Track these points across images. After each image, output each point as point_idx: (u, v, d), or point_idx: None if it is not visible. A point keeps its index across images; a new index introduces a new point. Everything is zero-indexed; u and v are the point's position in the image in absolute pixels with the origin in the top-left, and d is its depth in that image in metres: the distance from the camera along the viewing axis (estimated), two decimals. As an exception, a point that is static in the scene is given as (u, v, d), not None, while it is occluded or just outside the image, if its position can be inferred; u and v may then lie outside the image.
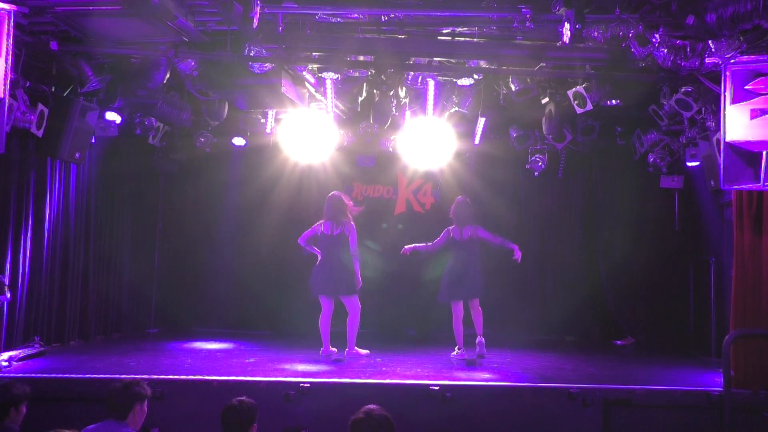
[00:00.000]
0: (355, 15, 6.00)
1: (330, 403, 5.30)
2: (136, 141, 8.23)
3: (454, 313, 7.01)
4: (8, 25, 4.79)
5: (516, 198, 9.46)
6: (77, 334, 7.66)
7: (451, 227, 7.15)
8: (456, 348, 7.02)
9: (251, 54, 6.23)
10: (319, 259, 6.96)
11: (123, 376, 5.48)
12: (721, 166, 5.16)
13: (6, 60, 4.81)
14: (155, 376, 5.52)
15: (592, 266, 9.16)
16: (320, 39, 6.17)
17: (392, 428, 3.10)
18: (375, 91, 7.26)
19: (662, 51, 5.62)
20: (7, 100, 4.89)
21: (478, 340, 6.95)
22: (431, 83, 7.21)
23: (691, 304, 8.33)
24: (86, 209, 7.82)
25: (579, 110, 6.89)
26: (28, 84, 6.15)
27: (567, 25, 5.30)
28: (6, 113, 4.85)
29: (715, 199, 7.67)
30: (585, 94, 6.75)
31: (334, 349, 6.93)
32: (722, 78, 5.10)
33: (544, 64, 6.58)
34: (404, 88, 7.39)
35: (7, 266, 6.44)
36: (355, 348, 7.06)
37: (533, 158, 8.79)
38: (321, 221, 7.00)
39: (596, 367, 6.98)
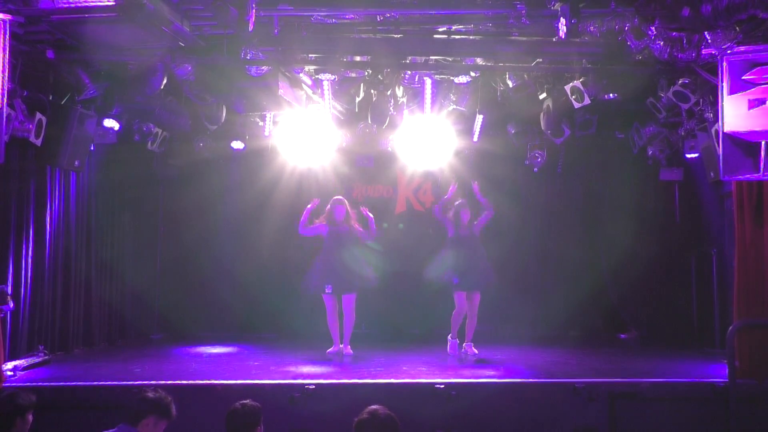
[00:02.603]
0: (351, 15, 6.00)
1: (335, 404, 5.30)
2: (135, 147, 8.22)
3: (457, 304, 7.15)
4: (4, 34, 4.79)
5: (516, 194, 9.45)
6: (81, 342, 7.66)
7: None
8: (449, 336, 7.23)
9: (247, 57, 6.23)
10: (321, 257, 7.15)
11: (127, 382, 5.50)
12: (721, 157, 5.15)
13: (3, 70, 4.81)
14: (160, 382, 5.52)
15: (594, 260, 9.17)
16: (316, 40, 6.17)
17: (397, 428, 3.10)
18: (372, 91, 7.26)
19: (658, 43, 5.61)
20: (5, 110, 4.88)
21: (466, 344, 7.19)
22: (428, 82, 7.20)
23: (693, 296, 8.33)
24: (87, 217, 7.83)
25: (577, 105, 6.89)
26: (25, 93, 6.15)
27: (563, 20, 5.29)
28: (4, 123, 4.84)
29: (716, 190, 7.67)
30: (582, 88, 6.74)
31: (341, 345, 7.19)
32: (719, 69, 5.09)
33: (541, 60, 6.58)
34: (401, 88, 7.40)
35: (10, 275, 6.45)
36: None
37: (532, 154, 8.78)
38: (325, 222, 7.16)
39: (600, 361, 6.98)
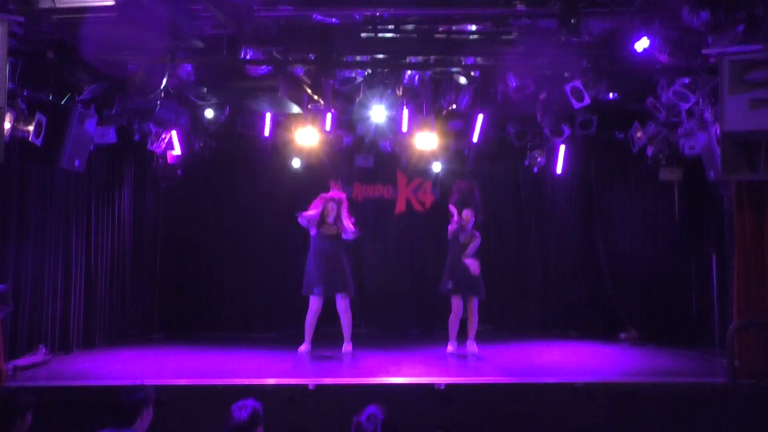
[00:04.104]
0: (351, 15, 6.00)
1: (336, 404, 5.31)
2: (135, 147, 8.23)
3: (453, 308, 7.20)
4: (3, 34, 4.79)
5: (516, 194, 9.47)
6: (81, 342, 7.65)
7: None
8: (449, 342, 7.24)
9: (248, 57, 6.23)
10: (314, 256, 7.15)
11: (127, 382, 5.49)
12: (720, 157, 5.14)
13: (2, 70, 4.81)
14: (160, 382, 5.52)
15: (594, 260, 9.17)
16: (316, 40, 6.17)
17: (397, 428, 3.10)
18: (372, 91, 7.25)
19: (659, 43, 5.61)
20: (5, 110, 4.88)
21: (468, 342, 7.21)
22: (428, 82, 7.20)
23: (693, 296, 8.34)
24: (87, 216, 7.82)
25: (577, 105, 6.88)
26: (25, 93, 6.14)
27: (563, 20, 5.29)
28: (4, 123, 4.84)
29: (715, 190, 7.67)
30: (582, 88, 6.74)
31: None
32: (719, 69, 5.08)
33: (541, 60, 6.57)
34: (401, 88, 7.39)
35: (10, 275, 6.45)
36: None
37: (532, 154, 8.80)
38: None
39: (600, 361, 6.99)
